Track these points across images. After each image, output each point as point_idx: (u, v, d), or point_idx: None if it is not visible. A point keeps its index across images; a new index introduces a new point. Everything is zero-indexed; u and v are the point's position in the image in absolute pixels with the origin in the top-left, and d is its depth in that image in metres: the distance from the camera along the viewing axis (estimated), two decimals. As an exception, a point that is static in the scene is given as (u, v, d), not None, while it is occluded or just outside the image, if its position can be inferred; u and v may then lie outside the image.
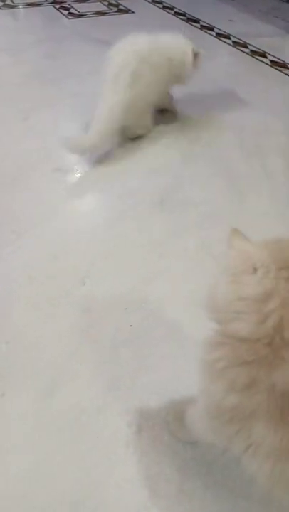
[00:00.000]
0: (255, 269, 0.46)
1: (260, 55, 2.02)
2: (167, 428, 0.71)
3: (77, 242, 1.05)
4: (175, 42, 1.44)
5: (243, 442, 0.50)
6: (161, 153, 1.36)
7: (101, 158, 1.35)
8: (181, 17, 2.48)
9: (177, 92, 1.67)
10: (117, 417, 0.73)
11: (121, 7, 2.61)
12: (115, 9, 2.58)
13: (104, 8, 2.58)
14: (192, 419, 0.60)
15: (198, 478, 0.66)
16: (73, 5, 2.60)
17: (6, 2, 2.60)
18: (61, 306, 0.90)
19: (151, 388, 0.76)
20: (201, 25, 2.36)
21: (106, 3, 2.67)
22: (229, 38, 2.20)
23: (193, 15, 2.49)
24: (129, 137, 1.39)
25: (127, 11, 2.55)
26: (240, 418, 0.49)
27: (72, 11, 2.51)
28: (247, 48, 2.10)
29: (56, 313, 0.88)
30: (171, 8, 2.59)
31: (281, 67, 1.92)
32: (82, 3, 2.64)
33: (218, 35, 2.24)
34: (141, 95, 1.29)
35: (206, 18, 2.43)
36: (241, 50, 2.07)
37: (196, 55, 1.42)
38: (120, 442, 0.70)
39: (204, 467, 0.67)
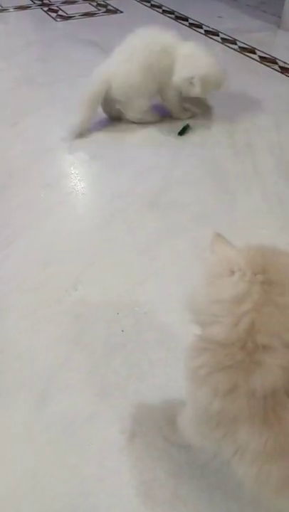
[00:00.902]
0: (232, 272, 0.47)
1: (250, 51, 2.01)
2: (161, 433, 0.71)
3: (69, 247, 1.04)
4: (195, 59, 1.36)
5: (229, 446, 0.50)
6: (152, 154, 1.35)
7: (91, 160, 1.34)
8: (169, 15, 2.47)
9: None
10: (110, 423, 0.72)
11: (109, 7, 2.60)
12: (104, 10, 2.57)
13: (92, 9, 2.57)
14: (183, 424, 0.60)
15: (193, 482, 0.66)
16: (61, 7, 2.59)
17: (-6, 6, 2.59)
18: (53, 313, 0.90)
19: (143, 393, 0.76)
20: (189, 23, 2.35)
21: (94, 3, 2.66)
22: (218, 35, 2.19)
23: (182, 13, 2.48)
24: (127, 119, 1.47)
25: (115, 11, 2.54)
26: (226, 423, 0.49)
27: (60, 13, 2.50)
28: (236, 44, 2.09)
29: (48, 320, 0.88)
30: (160, 7, 2.58)
31: (270, 62, 1.91)
32: (70, 5, 2.63)
33: (207, 32, 2.23)
34: (144, 78, 1.36)
35: (194, 16, 2.42)
36: (230, 47, 2.06)
37: (207, 83, 1.34)
38: (113, 449, 0.70)
39: (198, 471, 0.67)
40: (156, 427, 0.72)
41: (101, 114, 1.51)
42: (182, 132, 1.43)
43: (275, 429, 0.46)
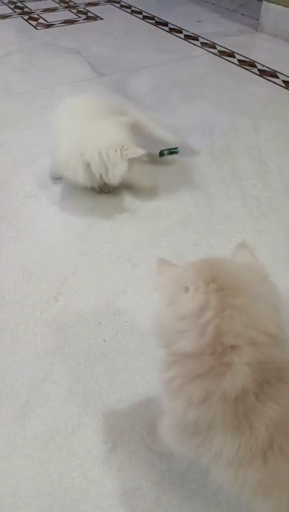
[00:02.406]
0: (186, 288, 0.49)
1: (228, 55, 2.03)
2: (142, 442, 0.72)
3: (50, 258, 1.05)
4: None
5: (207, 453, 0.51)
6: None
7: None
8: (149, 21, 2.48)
9: (144, 95, 1.68)
10: (92, 434, 0.73)
11: (90, 14, 2.61)
12: (84, 17, 2.58)
13: (73, 17, 2.58)
14: (162, 432, 0.61)
15: (174, 489, 0.67)
16: (42, 15, 2.60)
17: (-26, 16, 2.59)
18: (35, 325, 0.90)
19: (125, 403, 0.77)
20: (169, 28, 2.37)
21: (74, 11, 2.67)
22: (198, 40, 2.21)
23: (162, 18, 2.50)
24: None
25: (95, 17, 2.55)
26: (202, 431, 0.50)
27: (41, 21, 2.51)
28: (215, 48, 2.11)
29: (30, 332, 0.89)
30: (140, 13, 2.60)
31: (249, 65, 1.93)
32: (51, 13, 2.64)
33: (187, 37, 2.25)
34: None
35: (174, 21, 2.44)
36: (209, 51, 2.08)
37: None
38: (96, 460, 0.70)
39: (179, 478, 0.68)
40: (138, 436, 0.72)
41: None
42: (164, 154, 1.36)
43: (246, 434, 0.47)
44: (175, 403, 0.52)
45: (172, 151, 1.37)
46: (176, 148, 1.36)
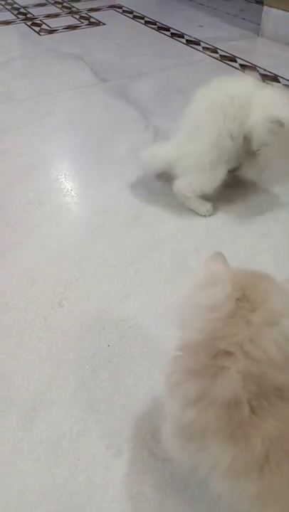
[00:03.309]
0: (215, 285, 0.51)
1: (230, 60, 2.05)
2: (146, 447, 0.72)
3: (54, 264, 1.06)
4: None
5: (204, 460, 0.51)
6: (135, 169, 1.37)
7: (75, 176, 1.36)
8: (152, 26, 2.50)
9: (146, 100, 1.70)
10: (97, 440, 0.74)
11: (92, 20, 2.63)
12: (86, 22, 2.60)
13: (75, 22, 2.60)
14: (164, 437, 0.62)
15: (177, 494, 0.67)
16: (45, 20, 2.62)
17: (-23, 23, 2.61)
18: (39, 331, 0.91)
19: (130, 408, 0.77)
20: (171, 33, 2.39)
21: (77, 16, 2.70)
22: (199, 44, 2.23)
23: (164, 23, 2.52)
24: None
25: (98, 23, 2.58)
26: (198, 435, 0.50)
27: (44, 27, 2.53)
28: (217, 53, 2.13)
29: (34, 338, 0.89)
30: (142, 18, 2.62)
31: (251, 70, 1.94)
32: (53, 19, 2.66)
33: (189, 41, 2.27)
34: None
35: (176, 26, 2.46)
36: (211, 56, 2.10)
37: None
38: (101, 465, 0.71)
39: (182, 483, 0.68)
40: (142, 441, 0.73)
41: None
42: None
43: (241, 445, 0.47)
44: (172, 401, 0.53)
45: None
46: None
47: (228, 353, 0.47)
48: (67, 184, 1.33)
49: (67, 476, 0.70)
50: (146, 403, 0.78)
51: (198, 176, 1.12)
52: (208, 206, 1.17)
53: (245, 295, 0.50)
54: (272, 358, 0.47)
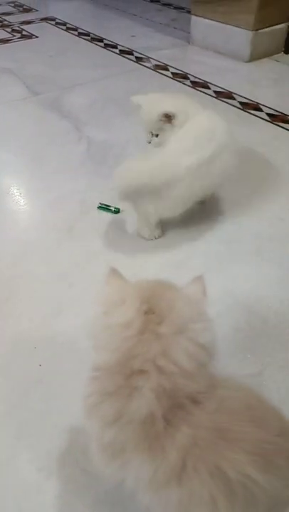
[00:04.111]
0: (123, 301, 0.51)
1: (162, 68, 2.09)
2: (78, 466, 0.71)
3: (-16, 285, 1.02)
4: None
5: (127, 475, 0.51)
6: (66, 180, 1.36)
7: (4, 193, 1.33)
8: (85, 37, 2.51)
9: (79, 112, 1.69)
10: (27, 464, 0.72)
11: (24, 33, 2.61)
12: (19, 35, 2.57)
13: (7, 36, 2.57)
14: (91, 455, 0.61)
15: (113, 509, 0.66)
16: (-25, 35, 2.57)
17: None
18: None
19: (61, 428, 0.76)
20: (104, 44, 2.41)
21: (9, 29, 2.66)
22: (132, 54, 2.26)
23: (97, 34, 2.54)
24: None
25: (30, 36, 2.55)
26: (118, 453, 0.50)
27: (-26, 41, 2.48)
28: (149, 62, 2.16)
29: None
30: (75, 29, 2.63)
31: (182, 78, 1.99)
32: (-16, 33, 2.61)
33: (122, 52, 2.30)
34: None
35: (109, 36, 2.49)
36: (143, 65, 2.13)
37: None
38: (31, 489, 0.69)
39: (117, 498, 0.67)
40: (74, 459, 0.72)
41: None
42: (103, 208, 1.24)
43: (159, 457, 0.48)
44: (91, 422, 0.52)
45: (111, 210, 1.23)
46: (118, 209, 1.23)
47: (141, 372, 0.47)
48: (-2, 201, 1.30)
49: (-5, 507, 0.67)
50: (78, 420, 0.76)
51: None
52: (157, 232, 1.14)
53: (151, 307, 0.50)
54: (184, 368, 0.48)
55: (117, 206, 1.23)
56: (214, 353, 0.52)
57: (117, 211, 1.23)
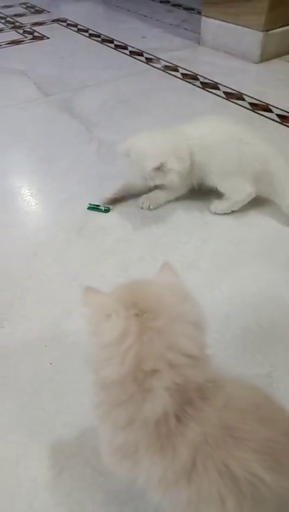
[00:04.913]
0: (108, 316, 0.49)
1: (172, 69, 2.09)
2: (88, 464, 0.72)
3: (-4, 285, 1.04)
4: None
5: (139, 475, 0.52)
6: (77, 181, 1.37)
7: (15, 192, 1.35)
8: (96, 38, 2.53)
9: (90, 113, 1.70)
10: (38, 462, 0.72)
11: (36, 34, 2.63)
12: (30, 37, 2.59)
13: (19, 37, 2.59)
14: (102, 454, 0.61)
15: (122, 509, 0.67)
16: (-13, 37, 2.60)
17: None
18: (-20, 355, 0.89)
19: (72, 426, 0.77)
20: (115, 45, 2.42)
21: (21, 31, 2.69)
22: (142, 55, 2.26)
23: (108, 35, 2.55)
24: None
25: (42, 37, 2.57)
26: (130, 454, 0.51)
27: (-14, 43, 2.51)
28: (159, 63, 2.17)
29: (-26, 363, 0.87)
30: (86, 31, 2.64)
31: (192, 79, 1.99)
32: (-4, 34, 2.64)
33: (132, 53, 2.30)
34: None
35: (120, 37, 2.50)
36: (154, 66, 2.14)
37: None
38: (42, 487, 0.70)
39: (126, 498, 0.68)
40: (84, 458, 0.73)
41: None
42: (93, 209, 1.25)
43: (169, 456, 0.48)
44: (103, 427, 0.53)
45: (101, 209, 1.24)
46: (108, 209, 1.24)
47: (154, 372, 0.47)
48: (10, 201, 1.32)
49: (7, 504, 0.68)
50: (88, 419, 0.77)
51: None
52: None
53: (141, 308, 0.49)
54: (190, 355, 0.48)
55: (107, 206, 1.24)
56: (206, 330, 0.52)
57: (107, 210, 1.24)
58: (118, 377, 0.48)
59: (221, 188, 1.18)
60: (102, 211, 1.24)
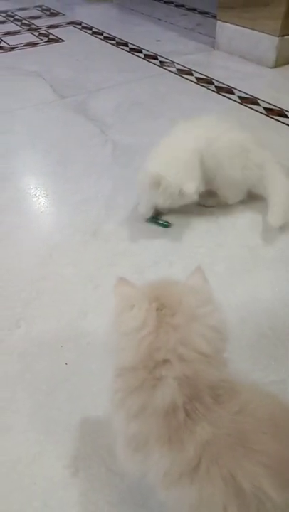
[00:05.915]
0: (132, 307, 0.54)
1: (187, 73, 2.10)
2: (104, 464, 0.73)
3: (11, 284, 1.05)
4: None
5: (149, 470, 0.52)
6: (92, 183, 1.39)
7: (33, 194, 1.36)
8: (110, 41, 2.55)
9: (105, 115, 1.72)
10: (54, 461, 0.73)
11: (51, 36, 2.65)
12: (46, 39, 2.62)
13: (35, 39, 2.62)
14: (116, 450, 0.62)
15: (136, 509, 0.68)
16: (3, 38, 2.63)
17: None
18: (-4, 354, 0.90)
19: (87, 427, 0.78)
20: (130, 48, 2.43)
21: (36, 33, 2.72)
22: (157, 59, 2.28)
23: (123, 38, 2.56)
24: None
25: (57, 40, 2.60)
26: (142, 446, 0.52)
27: (3, 44, 2.54)
28: (174, 66, 2.18)
29: (-9, 361, 0.89)
30: (101, 34, 2.66)
31: (207, 83, 2.00)
32: (12, 36, 2.68)
33: (147, 56, 2.32)
34: None
35: (134, 41, 2.51)
36: (168, 70, 2.15)
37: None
38: (57, 487, 0.70)
39: (140, 498, 0.69)
40: (100, 458, 0.73)
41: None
42: (153, 221, 1.23)
43: (175, 451, 0.48)
44: (117, 415, 0.54)
45: (161, 223, 1.22)
46: (168, 224, 1.22)
47: (164, 362, 0.50)
48: (25, 202, 1.33)
49: (23, 502, 0.69)
50: (104, 420, 0.78)
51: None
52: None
53: (163, 303, 0.53)
54: (203, 352, 0.50)
55: (166, 221, 1.22)
56: (227, 337, 0.54)
57: (166, 225, 1.22)
58: (132, 364, 0.51)
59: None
60: (161, 225, 1.21)
